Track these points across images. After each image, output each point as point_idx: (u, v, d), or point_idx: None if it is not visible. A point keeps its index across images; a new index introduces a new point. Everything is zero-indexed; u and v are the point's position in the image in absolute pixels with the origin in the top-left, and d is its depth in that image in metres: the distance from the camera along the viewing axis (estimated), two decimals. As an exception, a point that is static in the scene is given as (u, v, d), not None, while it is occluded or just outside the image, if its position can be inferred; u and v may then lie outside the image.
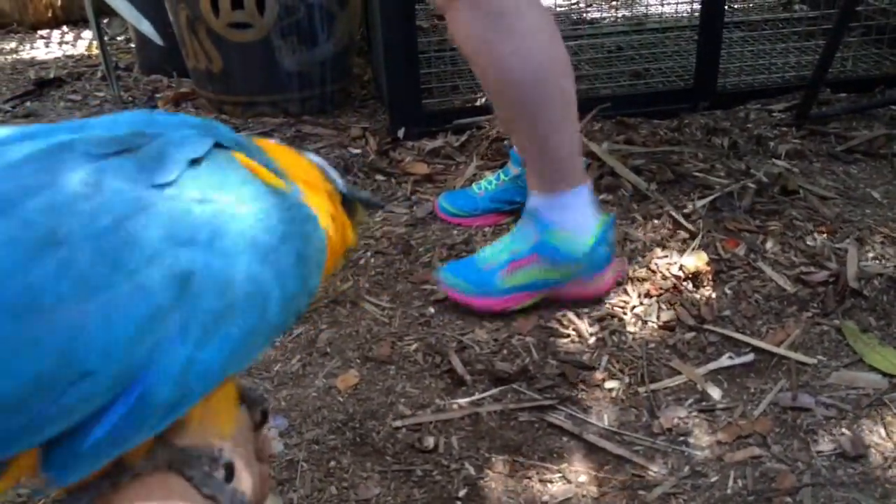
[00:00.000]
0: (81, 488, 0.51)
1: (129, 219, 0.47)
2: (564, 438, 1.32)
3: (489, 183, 1.90)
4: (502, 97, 1.46)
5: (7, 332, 0.44)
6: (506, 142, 2.13)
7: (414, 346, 1.52)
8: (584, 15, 3.32)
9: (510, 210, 1.87)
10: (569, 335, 1.53)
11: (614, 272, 1.59)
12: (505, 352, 1.50)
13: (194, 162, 0.52)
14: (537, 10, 1.41)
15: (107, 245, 0.47)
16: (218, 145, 0.55)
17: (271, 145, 0.65)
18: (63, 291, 0.45)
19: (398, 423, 1.35)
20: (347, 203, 0.70)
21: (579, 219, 1.52)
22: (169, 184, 0.50)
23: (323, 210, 0.62)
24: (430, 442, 1.31)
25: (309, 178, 0.65)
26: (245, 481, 0.57)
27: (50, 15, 3.88)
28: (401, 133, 2.30)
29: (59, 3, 3.88)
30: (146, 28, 2.45)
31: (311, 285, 0.57)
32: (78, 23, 3.89)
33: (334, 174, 0.70)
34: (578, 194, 1.52)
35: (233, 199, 0.51)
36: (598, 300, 1.60)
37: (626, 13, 3.36)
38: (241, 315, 0.51)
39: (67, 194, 0.47)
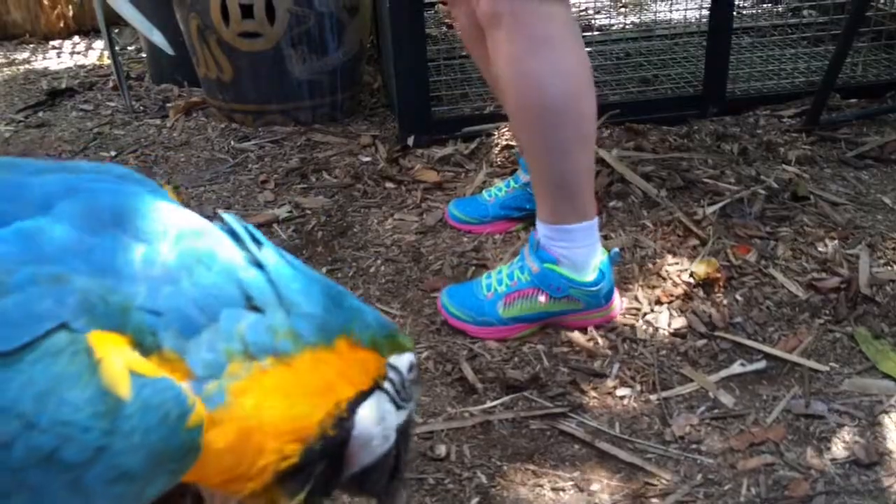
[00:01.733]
0: None
1: None
2: (576, 446, 1.32)
3: (499, 190, 1.91)
4: (525, 118, 1.45)
5: None
6: (515, 149, 2.13)
7: (425, 354, 1.52)
8: (593, 21, 3.32)
9: (520, 217, 1.87)
10: (579, 342, 1.53)
11: (615, 309, 1.58)
12: (516, 359, 1.50)
13: (2, 356, 0.47)
14: (573, 41, 1.42)
15: None
16: (64, 326, 0.48)
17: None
18: None
19: (410, 431, 1.35)
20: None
21: (584, 254, 1.51)
22: None
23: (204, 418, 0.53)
24: (441, 450, 1.31)
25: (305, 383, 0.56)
26: None
27: (62, 25, 3.92)
28: (410, 141, 2.31)
29: (70, 13, 3.92)
30: (157, 38, 2.47)
31: (146, 493, 0.51)
32: (89, 33, 3.92)
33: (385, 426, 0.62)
34: (587, 229, 1.51)
35: (33, 407, 0.46)
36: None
37: (635, 19, 3.36)
38: None
39: None
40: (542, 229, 1.54)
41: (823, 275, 1.64)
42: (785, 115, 2.34)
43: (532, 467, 1.28)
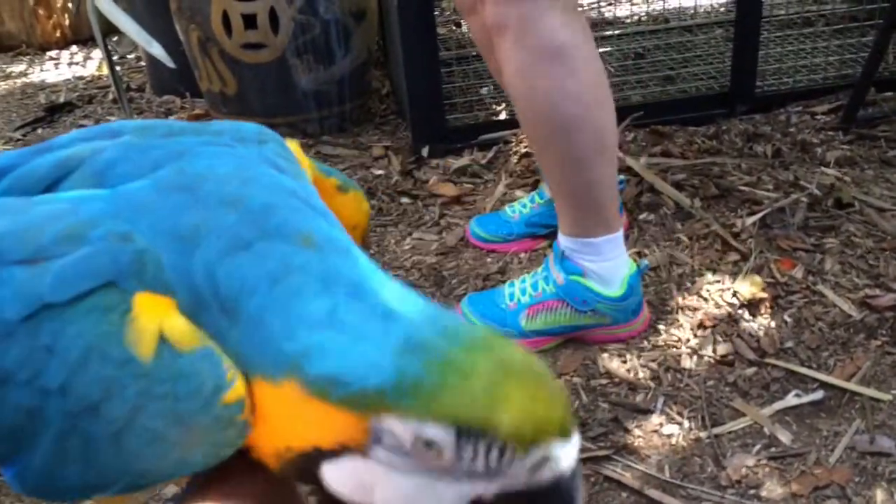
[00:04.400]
0: None
1: None
2: (624, 494, 1.22)
3: (523, 206, 1.80)
4: (539, 133, 1.37)
5: None
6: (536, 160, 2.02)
7: (454, 391, 1.42)
8: (608, 14, 3.19)
9: (546, 234, 1.77)
10: (619, 373, 1.42)
11: (643, 322, 1.49)
12: (552, 395, 1.39)
13: (55, 307, 0.50)
14: (585, 50, 1.32)
15: None
16: (112, 284, 0.50)
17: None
18: None
19: (442, 481, 1.26)
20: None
21: (611, 267, 1.43)
22: (28, 317, 0.49)
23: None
24: (478, 502, 1.21)
25: None
26: None
27: (58, 35, 3.81)
28: (425, 151, 2.20)
29: (66, 22, 3.81)
30: (157, 51, 2.35)
31: (188, 459, 0.50)
32: (87, 42, 3.81)
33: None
34: (612, 241, 1.42)
35: (80, 358, 0.49)
36: (647, 330, 1.50)
37: (651, 10, 3.22)
38: (79, 463, 0.51)
39: None
40: (565, 242, 1.45)
41: (877, 291, 1.53)
42: (818, 111, 2.22)
43: (577, 520, 1.18)
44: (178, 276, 0.51)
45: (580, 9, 1.36)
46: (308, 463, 0.49)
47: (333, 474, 0.48)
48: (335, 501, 0.49)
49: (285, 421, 0.49)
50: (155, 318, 0.49)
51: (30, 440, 0.51)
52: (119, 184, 0.56)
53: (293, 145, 0.67)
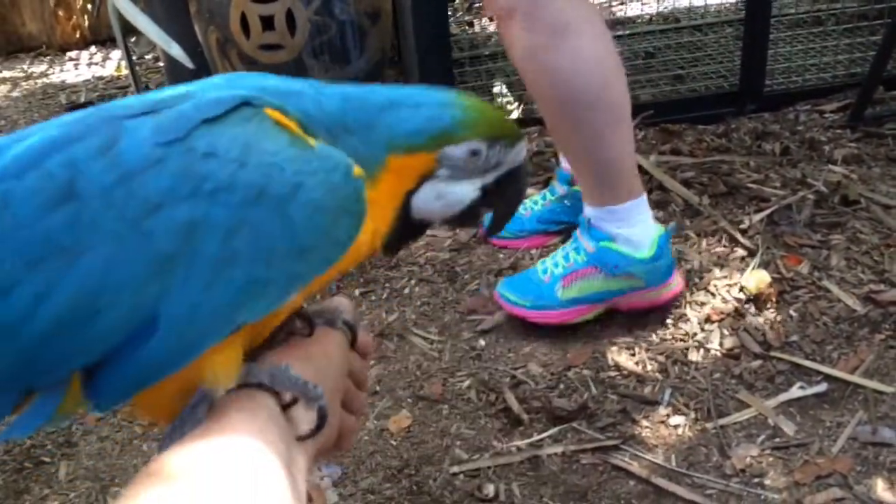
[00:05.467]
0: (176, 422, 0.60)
1: (135, 173, 0.55)
2: (631, 482, 1.26)
3: (535, 203, 1.84)
4: (554, 110, 1.42)
5: (24, 276, 0.52)
6: (555, 160, 2.06)
7: (466, 383, 1.47)
8: (619, 13, 3.21)
9: (558, 230, 1.81)
10: (627, 366, 1.46)
11: (677, 284, 1.53)
12: (562, 386, 1.43)
13: (208, 121, 0.58)
14: (593, 26, 1.38)
15: (115, 197, 0.54)
16: (247, 104, 0.61)
17: None
18: (76, 239, 0.53)
19: (455, 469, 1.30)
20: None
21: (637, 230, 1.48)
22: (177, 140, 0.56)
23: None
24: (490, 490, 1.26)
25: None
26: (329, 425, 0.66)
27: (78, 36, 3.88)
28: (438, 150, 2.24)
29: (86, 23, 3.88)
30: (176, 51, 2.41)
31: (337, 234, 0.61)
32: (106, 42, 3.88)
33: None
34: (635, 206, 1.47)
35: (241, 153, 0.57)
36: (656, 323, 1.53)
37: (663, 9, 3.25)
38: (246, 262, 0.56)
39: (86, 151, 0.55)
40: (590, 212, 1.50)
41: (881, 286, 1.55)
42: (826, 109, 2.24)
43: (586, 507, 1.22)
44: (291, 108, 0.63)
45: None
46: (403, 206, 0.69)
47: (418, 201, 0.69)
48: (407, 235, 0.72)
49: (393, 187, 0.67)
50: (286, 123, 0.62)
51: (187, 262, 0.55)
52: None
53: None
